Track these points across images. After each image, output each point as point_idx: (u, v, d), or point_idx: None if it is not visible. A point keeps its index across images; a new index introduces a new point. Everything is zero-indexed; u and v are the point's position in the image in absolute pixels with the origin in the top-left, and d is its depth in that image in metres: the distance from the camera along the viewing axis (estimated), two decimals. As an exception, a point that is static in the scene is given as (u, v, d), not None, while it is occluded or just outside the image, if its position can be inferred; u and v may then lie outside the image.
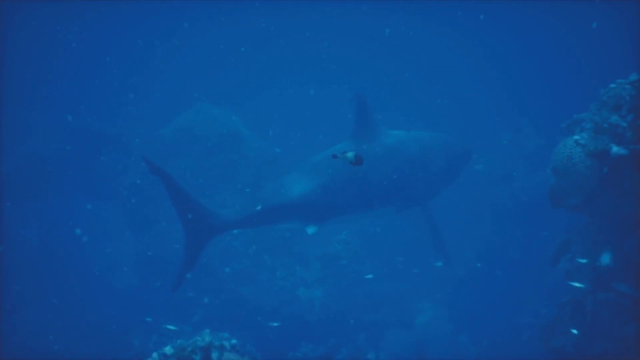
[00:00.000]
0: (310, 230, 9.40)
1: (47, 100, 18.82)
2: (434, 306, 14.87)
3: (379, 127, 10.10)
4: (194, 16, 21.83)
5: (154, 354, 5.88)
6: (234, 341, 6.66)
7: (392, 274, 14.40)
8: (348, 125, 10.10)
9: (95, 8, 20.52)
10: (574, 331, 7.14)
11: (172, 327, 6.63)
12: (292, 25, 21.86)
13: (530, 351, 11.78)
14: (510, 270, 13.72)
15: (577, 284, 7.29)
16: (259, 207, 9.22)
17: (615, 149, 6.88)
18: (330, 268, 13.91)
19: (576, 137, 7.29)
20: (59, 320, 13.90)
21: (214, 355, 6.04)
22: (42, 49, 20.97)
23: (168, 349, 6.16)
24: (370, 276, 12.41)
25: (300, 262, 13.86)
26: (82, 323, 13.89)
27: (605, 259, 7.27)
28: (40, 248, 15.09)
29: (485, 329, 13.52)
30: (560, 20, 18.64)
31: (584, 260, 7.33)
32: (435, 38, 21.65)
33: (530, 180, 13.97)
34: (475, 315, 13.97)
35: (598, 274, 7.69)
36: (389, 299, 14.01)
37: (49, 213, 15.81)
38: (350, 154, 5.36)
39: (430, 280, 14.85)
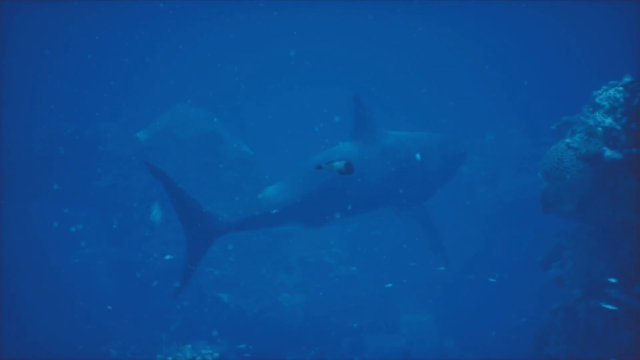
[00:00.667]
0: (310, 232, 9.56)
1: (27, 100, 18.43)
2: (418, 310, 14.66)
3: (378, 128, 9.99)
4: (177, 17, 21.48)
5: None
6: (216, 355, 6.39)
7: (377, 277, 14.17)
8: (344, 125, 9.95)
9: (80, 9, 20.08)
10: (613, 360, 6.80)
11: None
12: (282, 25, 21.64)
13: (517, 354, 11.65)
14: (496, 273, 13.55)
15: (609, 306, 6.92)
16: (260, 210, 9.13)
17: (608, 152, 6.67)
18: (313, 273, 13.65)
19: (567, 140, 7.08)
20: (33, 325, 13.54)
21: (197, 373, 5.77)
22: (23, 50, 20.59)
23: (147, 366, 5.85)
24: (389, 285, 12.14)
25: (282, 267, 13.58)
26: (58, 330, 13.51)
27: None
28: (18, 251, 14.70)
29: (471, 332, 13.35)
30: (559, 20, 18.57)
31: (613, 280, 7.00)
32: (426, 37, 21.49)
33: (515, 181, 13.83)
34: (460, 318, 13.80)
35: (590, 280, 7.50)
36: (373, 303, 13.79)
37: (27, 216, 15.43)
38: (339, 163, 5.08)
39: (414, 283, 14.66)
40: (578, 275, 7.63)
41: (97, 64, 21.97)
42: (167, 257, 12.89)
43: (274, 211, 9.06)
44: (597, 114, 6.99)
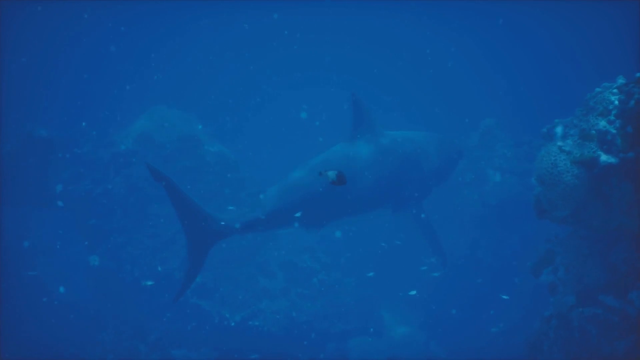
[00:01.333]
0: (312, 234, 9.44)
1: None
2: (403, 314, 14.42)
3: (376, 128, 9.93)
4: (153, 18, 21.03)
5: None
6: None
7: (360, 281, 13.94)
8: (338, 125, 9.81)
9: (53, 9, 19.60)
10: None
11: None
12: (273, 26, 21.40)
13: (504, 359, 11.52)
14: (481, 275, 13.39)
15: None
16: (262, 212, 9.05)
17: (604, 157, 6.46)
18: (294, 277, 13.37)
19: (559, 143, 6.86)
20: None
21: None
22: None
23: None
24: (414, 292, 11.91)
25: (264, 273, 13.27)
26: (31, 341, 13.07)
27: None
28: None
29: (457, 336, 13.15)
30: (558, 20, 18.50)
31: None
32: (409, 36, 21.34)
33: (499, 184, 13.66)
34: (446, 321, 13.60)
35: (584, 287, 7.31)
36: (357, 307, 13.57)
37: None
38: (332, 173, 4.84)
39: (399, 286, 14.45)
40: (571, 282, 7.42)
41: (73, 65, 21.47)
42: (159, 268, 12.60)
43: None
44: (591, 117, 6.78)
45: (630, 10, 15.94)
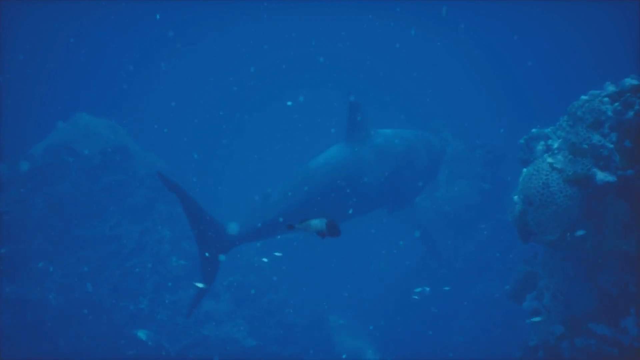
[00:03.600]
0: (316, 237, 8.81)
1: None
2: (355, 330, 13.71)
3: (370, 128, 9.78)
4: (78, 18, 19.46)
5: None
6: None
7: (311, 298, 13.11)
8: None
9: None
10: None
11: None
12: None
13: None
14: (435, 286, 12.78)
15: None
16: (267, 218, 8.82)
17: (600, 175, 5.80)
18: (241, 298, 12.35)
19: (549, 159, 6.15)
20: None
21: None
22: None
23: None
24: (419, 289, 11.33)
25: (206, 295, 12.12)
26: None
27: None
28: None
29: (412, 351, 12.52)
30: (557, 20, 18.27)
31: None
32: (408, 35, 20.82)
33: (452, 190, 13.11)
34: (401, 337, 12.96)
35: (572, 314, 6.67)
36: (308, 327, 12.75)
37: None
38: (318, 223, 3.85)
39: (351, 302, 13.75)
40: (557, 309, 6.77)
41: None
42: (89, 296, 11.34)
43: (280, 219, 8.73)
44: (580, 128, 6.11)
45: (630, 10, 15.99)
